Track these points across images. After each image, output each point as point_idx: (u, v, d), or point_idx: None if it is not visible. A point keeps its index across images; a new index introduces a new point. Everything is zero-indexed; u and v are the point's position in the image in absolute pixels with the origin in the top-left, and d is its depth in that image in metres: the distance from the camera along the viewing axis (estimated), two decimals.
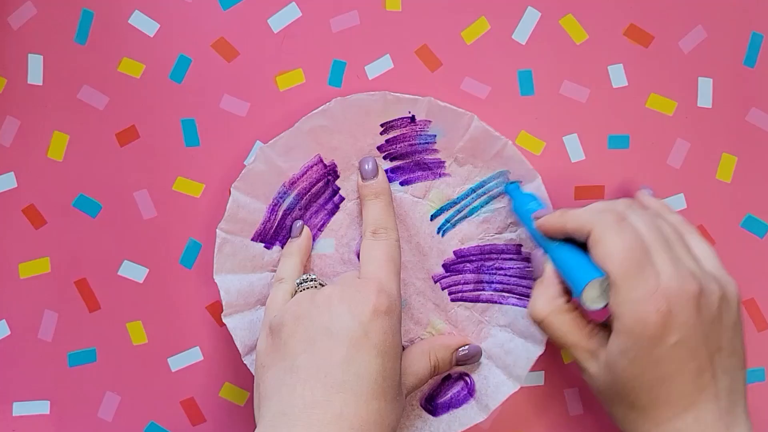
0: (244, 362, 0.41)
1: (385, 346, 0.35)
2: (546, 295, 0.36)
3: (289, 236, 0.42)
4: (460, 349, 0.41)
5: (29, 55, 0.42)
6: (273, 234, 0.42)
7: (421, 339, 0.42)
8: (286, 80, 0.43)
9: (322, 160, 0.41)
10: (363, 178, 0.41)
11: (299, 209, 0.42)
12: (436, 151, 0.42)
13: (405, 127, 0.41)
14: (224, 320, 0.41)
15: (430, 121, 0.41)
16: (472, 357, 0.42)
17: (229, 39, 0.43)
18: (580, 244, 0.36)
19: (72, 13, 0.42)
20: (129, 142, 0.43)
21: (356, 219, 0.42)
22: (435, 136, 0.42)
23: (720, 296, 0.34)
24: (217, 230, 0.41)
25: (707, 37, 0.44)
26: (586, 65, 0.44)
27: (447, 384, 0.42)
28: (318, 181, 0.42)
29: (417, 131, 0.41)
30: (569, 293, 0.36)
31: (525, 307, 0.41)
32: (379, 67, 0.43)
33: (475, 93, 0.43)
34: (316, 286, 0.39)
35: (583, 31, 0.44)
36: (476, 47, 0.43)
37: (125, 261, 0.43)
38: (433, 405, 0.42)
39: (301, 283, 0.39)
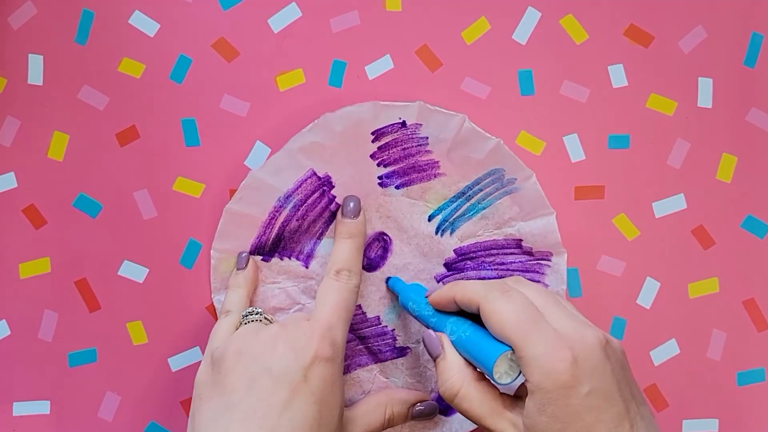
0: None
1: (324, 394, 0.34)
2: (455, 369, 0.35)
3: (287, 248, 0.42)
4: (417, 406, 0.41)
5: (29, 55, 0.42)
6: (270, 246, 0.42)
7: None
8: (287, 80, 0.43)
9: (315, 173, 0.41)
10: (342, 215, 0.41)
11: (297, 220, 0.42)
12: (429, 152, 0.42)
13: (396, 132, 0.41)
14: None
15: (420, 124, 0.41)
16: (428, 414, 0.41)
17: (229, 39, 0.43)
18: (473, 319, 0.36)
19: (72, 13, 0.42)
20: (129, 142, 0.43)
21: None
22: (427, 138, 0.42)
23: (621, 348, 0.34)
24: (211, 252, 0.41)
25: (707, 37, 0.44)
26: (586, 65, 0.44)
27: None
28: (313, 192, 0.42)
29: (408, 135, 0.42)
30: (474, 367, 0.36)
31: None
32: (380, 67, 0.43)
33: (475, 93, 0.43)
34: (261, 320, 0.39)
35: (583, 31, 0.44)
36: (476, 47, 0.43)
37: (125, 261, 0.43)
38: (444, 405, 0.42)
39: (246, 316, 0.39)
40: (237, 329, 0.38)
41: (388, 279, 0.42)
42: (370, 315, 0.43)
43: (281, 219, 0.42)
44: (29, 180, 0.43)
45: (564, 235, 0.42)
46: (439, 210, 0.42)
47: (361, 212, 0.41)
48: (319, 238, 0.42)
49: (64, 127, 0.43)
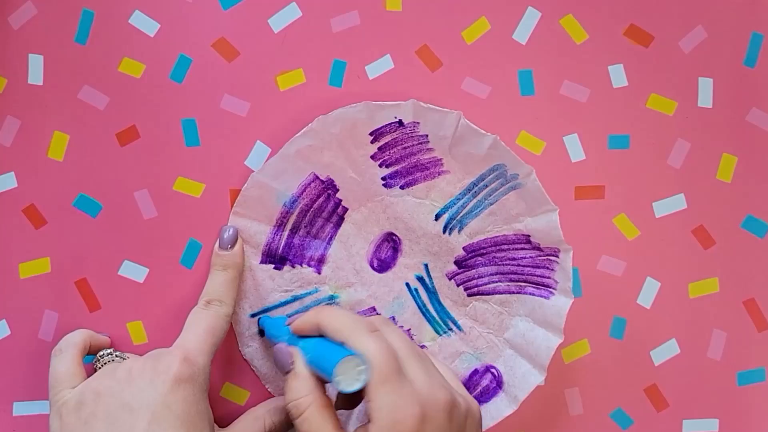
0: (268, 389, 0.42)
1: (189, 416, 0.35)
2: (305, 388, 0.34)
3: (298, 255, 0.42)
4: None
5: (30, 55, 0.42)
6: (281, 254, 0.42)
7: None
8: (287, 80, 0.43)
9: (318, 177, 0.41)
10: (218, 246, 0.41)
11: (305, 226, 0.42)
12: (431, 150, 0.42)
13: (395, 132, 0.41)
14: (241, 351, 0.42)
15: (418, 123, 0.41)
16: None
17: (230, 39, 0.43)
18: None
19: (72, 13, 0.42)
20: (129, 142, 0.43)
21: (363, 228, 0.42)
22: (426, 135, 0.41)
23: (466, 409, 0.34)
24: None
25: (707, 37, 0.44)
26: (587, 65, 0.44)
27: (475, 378, 0.43)
28: (318, 196, 0.42)
29: (407, 134, 0.41)
30: (323, 391, 0.35)
31: (542, 296, 0.42)
32: (380, 67, 0.43)
33: (476, 93, 0.43)
34: (113, 360, 0.39)
35: (583, 32, 0.44)
36: (477, 47, 0.43)
37: (125, 261, 0.43)
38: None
39: (101, 358, 0.39)
40: (76, 367, 0.38)
41: (258, 320, 0.42)
42: (385, 316, 0.43)
43: (289, 225, 0.42)
44: (29, 180, 0.43)
45: (564, 234, 0.43)
46: (446, 208, 0.42)
47: (237, 243, 0.41)
48: (329, 242, 0.42)
49: (64, 127, 0.43)
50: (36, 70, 0.42)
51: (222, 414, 0.43)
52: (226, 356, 0.43)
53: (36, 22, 0.42)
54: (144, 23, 0.42)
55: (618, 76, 0.44)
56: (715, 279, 0.45)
